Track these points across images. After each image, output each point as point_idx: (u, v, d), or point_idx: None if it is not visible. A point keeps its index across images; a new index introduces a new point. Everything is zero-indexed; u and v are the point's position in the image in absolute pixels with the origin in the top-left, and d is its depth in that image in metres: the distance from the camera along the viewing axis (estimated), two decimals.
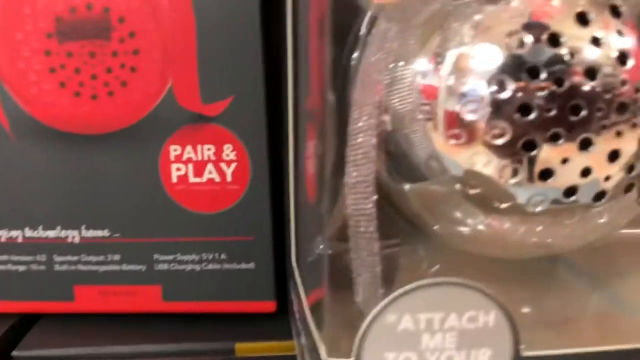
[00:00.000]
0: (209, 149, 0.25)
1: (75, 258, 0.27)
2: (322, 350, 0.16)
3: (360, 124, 0.18)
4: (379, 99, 0.18)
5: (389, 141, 0.19)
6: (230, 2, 0.24)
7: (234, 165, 0.26)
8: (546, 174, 0.17)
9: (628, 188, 0.17)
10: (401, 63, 0.18)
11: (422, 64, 0.18)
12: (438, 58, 0.17)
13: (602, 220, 0.19)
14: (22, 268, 0.27)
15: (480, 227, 0.19)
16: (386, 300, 0.16)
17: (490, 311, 0.16)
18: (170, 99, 0.25)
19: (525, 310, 0.19)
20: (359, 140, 0.17)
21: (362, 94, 0.18)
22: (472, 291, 0.16)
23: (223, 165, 0.26)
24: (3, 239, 0.26)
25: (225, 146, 0.25)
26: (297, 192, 0.23)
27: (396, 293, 0.16)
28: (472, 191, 0.18)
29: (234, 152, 0.26)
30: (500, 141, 0.16)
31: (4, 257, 0.27)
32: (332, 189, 0.18)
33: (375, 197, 0.17)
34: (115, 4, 0.24)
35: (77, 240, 0.26)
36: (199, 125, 0.25)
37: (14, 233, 0.26)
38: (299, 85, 0.21)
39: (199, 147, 0.25)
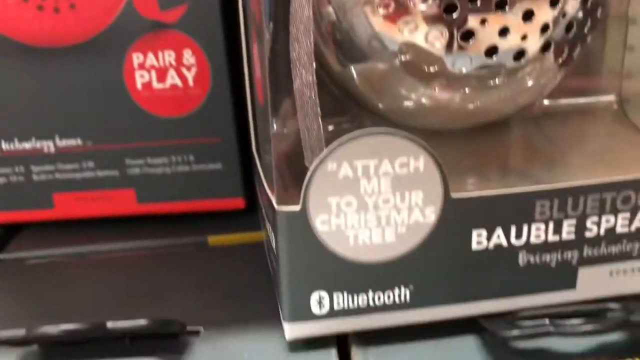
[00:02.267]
0: (169, 55, 0.27)
1: (51, 167, 0.28)
2: (274, 202, 0.18)
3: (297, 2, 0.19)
4: None
5: (334, 30, 0.20)
6: None
7: (194, 69, 0.27)
8: (467, 36, 0.18)
9: (545, 47, 0.19)
10: None
11: None
12: None
13: (528, 84, 0.20)
14: (1, 180, 0.28)
15: (423, 99, 0.20)
16: (326, 150, 0.17)
17: (419, 157, 0.18)
18: (130, 9, 0.26)
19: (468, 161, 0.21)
20: (298, 16, 0.19)
21: None
22: (402, 139, 0.18)
23: (184, 70, 0.27)
24: None
25: (185, 51, 0.27)
26: (253, 94, 0.24)
27: (335, 143, 0.17)
28: (408, 63, 0.19)
29: (194, 57, 0.27)
30: (423, 6, 0.18)
31: None
32: (276, 90, 0.20)
33: (314, 66, 0.18)
34: None
35: (52, 150, 0.28)
36: (158, 32, 0.26)
37: None
38: None
39: (159, 53, 0.27)
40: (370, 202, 0.18)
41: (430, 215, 0.18)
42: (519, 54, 0.19)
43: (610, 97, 0.24)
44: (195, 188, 0.29)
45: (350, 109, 0.23)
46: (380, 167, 0.18)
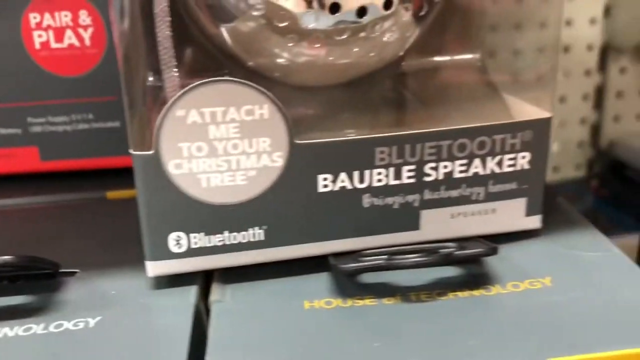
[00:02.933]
0: (65, 16, 0.28)
1: None
2: (131, 147, 0.19)
3: None
4: None
5: None
6: None
7: (90, 30, 0.28)
8: None
9: (387, 5, 0.21)
10: None
11: None
12: None
13: (388, 38, 0.22)
14: None
15: (290, 57, 0.22)
16: (174, 97, 0.19)
17: (264, 105, 0.19)
18: None
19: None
20: None
21: None
22: (246, 88, 0.19)
23: (81, 31, 0.28)
24: None
25: (81, 12, 0.28)
26: None
27: (182, 91, 0.19)
28: (278, 24, 0.21)
29: (90, 17, 0.28)
30: None
31: None
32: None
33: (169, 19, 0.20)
34: None
35: None
36: None
37: None
38: None
39: (56, 14, 0.28)
40: (219, 147, 0.19)
41: (278, 160, 0.20)
42: (361, 12, 0.20)
43: (475, 55, 0.26)
44: (95, 145, 0.30)
45: (230, 68, 0.24)
46: (227, 114, 0.19)
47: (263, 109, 0.19)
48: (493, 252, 0.20)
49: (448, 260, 0.20)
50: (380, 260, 0.20)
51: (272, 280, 0.21)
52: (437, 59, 0.25)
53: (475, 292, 0.20)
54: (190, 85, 0.19)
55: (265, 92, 0.19)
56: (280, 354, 0.18)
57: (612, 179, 0.59)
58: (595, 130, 0.62)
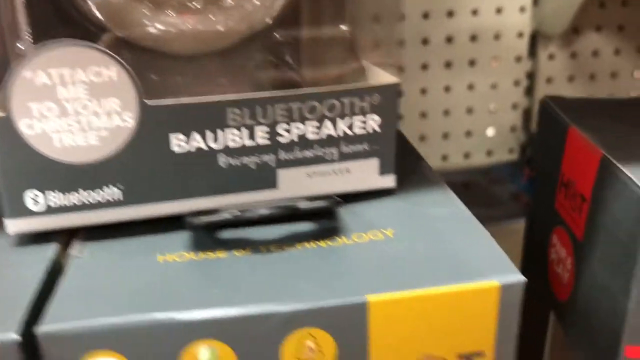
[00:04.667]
0: None
1: None
2: None
3: None
4: None
5: None
6: None
7: None
8: None
9: None
10: None
11: None
12: None
13: (250, 7, 0.23)
14: None
15: (159, 26, 0.23)
16: (23, 60, 0.20)
17: (110, 67, 0.20)
18: None
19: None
20: None
21: None
22: (93, 50, 0.20)
23: None
24: None
25: None
26: None
27: (30, 54, 0.20)
28: None
29: None
30: None
31: None
32: None
33: None
34: None
35: None
36: None
37: None
38: None
39: None
40: (69, 107, 0.20)
41: (129, 120, 0.21)
42: None
43: (344, 25, 0.27)
44: None
45: (108, 43, 0.25)
46: (75, 75, 0.20)
47: (111, 71, 0.20)
48: (335, 204, 0.21)
49: (292, 212, 0.21)
50: (228, 213, 0.21)
51: (131, 238, 0.22)
52: (308, 29, 0.26)
53: (322, 243, 0.21)
54: (38, 48, 0.20)
55: (113, 55, 0.20)
56: (121, 301, 0.19)
57: None
58: (528, 115, 0.64)
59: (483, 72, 0.61)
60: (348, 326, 0.19)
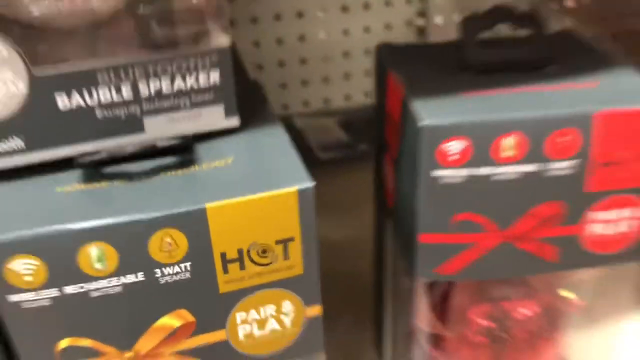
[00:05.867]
0: None
1: None
2: None
3: None
4: None
5: None
6: None
7: None
8: None
9: None
10: None
11: None
12: None
13: None
14: None
15: (41, 5, 0.29)
16: None
17: (0, 46, 0.27)
18: None
19: None
20: None
21: None
22: None
23: None
24: None
25: None
26: None
27: None
28: None
29: None
30: None
31: None
32: None
33: None
34: None
35: None
36: None
37: None
38: None
39: None
40: None
41: (23, 88, 0.27)
42: None
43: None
44: None
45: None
46: None
47: (1, 49, 0.27)
48: (186, 142, 0.29)
49: (152, 149, 0.29)
50: (106, 153, 0.28)
51: (35, 177, 0.29)
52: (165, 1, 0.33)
53: (180, 172, 0.29)
54: None
55: (2, 35, 0.26)
56: (32, 218, 0.26)
57: None
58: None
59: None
60: (194, 226, 0.27)
